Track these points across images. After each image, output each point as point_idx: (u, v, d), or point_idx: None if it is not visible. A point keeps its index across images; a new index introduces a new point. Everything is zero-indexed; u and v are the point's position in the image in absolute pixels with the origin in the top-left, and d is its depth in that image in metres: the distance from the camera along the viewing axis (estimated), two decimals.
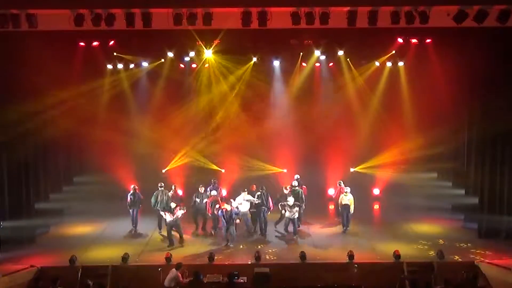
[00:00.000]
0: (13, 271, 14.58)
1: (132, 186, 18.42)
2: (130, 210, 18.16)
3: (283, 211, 17.36)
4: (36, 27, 14.25)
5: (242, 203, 17.32)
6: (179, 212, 16.73)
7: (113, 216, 19.53)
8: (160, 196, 17.84)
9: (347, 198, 17.99)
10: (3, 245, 15.98)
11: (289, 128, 21.75)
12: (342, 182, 19.05)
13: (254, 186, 18.44)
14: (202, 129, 22.15)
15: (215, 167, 21.97)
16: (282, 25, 14.51)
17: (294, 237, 17.19)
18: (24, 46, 16.04)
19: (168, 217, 16.53)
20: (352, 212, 17.88)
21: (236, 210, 16.79)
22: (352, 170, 21.11)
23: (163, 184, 18.25)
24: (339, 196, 18.44)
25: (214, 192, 17.93)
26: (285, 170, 21.55)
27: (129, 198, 18.12)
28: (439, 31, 15.82)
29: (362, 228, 18.23)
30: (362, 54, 19.93)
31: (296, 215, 17.17)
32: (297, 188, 18.34)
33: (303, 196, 18.18)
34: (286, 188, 18.01)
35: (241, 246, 16.64)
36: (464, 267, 14.40)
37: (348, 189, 18.20)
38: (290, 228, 17.40)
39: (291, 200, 17.12)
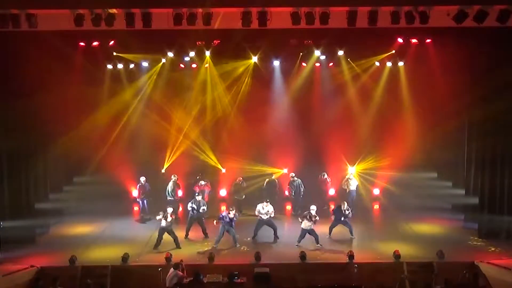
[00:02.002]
0: (13, 271, 14.58)
1: (141, 178, 19.86)
2: (140, 200, 19.77)
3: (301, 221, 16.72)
4: (36, 27, 14.25)
5: (263, 212, 17.14)
6: (170, 218, 16.50)
7: (113, 216, 19.56)
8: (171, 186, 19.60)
9: (354, 183, 19.72)
10: (3, 245, 15.98)
11: (289, 128, 21.74)
12: (326, 174, 20.60)
13: (241, 178, 19.95)
14: (202, 128, 22.15)
15: (218, 165, 21.94)
16: (282, 25, 14.51)
17: (318, 245, 16.51)
18: (24, 46, 16.03)
19: (163, 222, 16.45)
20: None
21: (236, 214, 16.76)
22: (351, 170, 21.07)
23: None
24: (323, 186, 19.74)
25: (202, 182, 19.77)
26: (285, 170, 21.53)
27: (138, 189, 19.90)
28: (439, 31, 15.82)
29: (362, 228, 18.22)
30: (362, 54, 19.95)
31: (312, 226, 16.61)
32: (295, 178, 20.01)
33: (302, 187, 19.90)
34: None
35: (241, 246, 16.63)
36: (464, 267, 14.39)
37: (351, 176, 19.81)
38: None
39: (313, 209, 16.60)
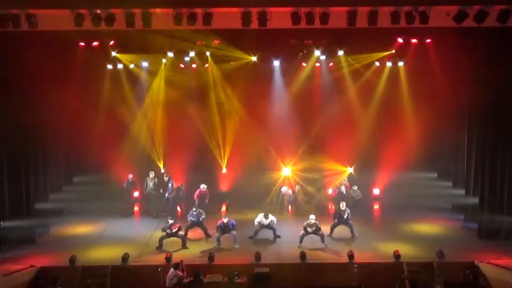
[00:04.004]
0: (13, 271, 14.57)
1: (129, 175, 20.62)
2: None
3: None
4: (36, 27, 14.25)
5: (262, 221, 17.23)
6: (176, 231, 16.48)
7: (113, 216, 19.57)
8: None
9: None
10: (3, 245, 15.97)
11: (289, 128, 21.72)
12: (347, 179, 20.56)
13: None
14: (202, 128, 22.14)
15: (223, 164, 21.93)
16: (282, 25, 14.51)
17: (323, 245, 16.44)
18: (24, 46, 16.03)
19: (166, 235, 16.41)
20: None
21: (233, 221, 16.72)
22: (350, 170, 21.17)
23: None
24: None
25: (203, 186, 19.62)
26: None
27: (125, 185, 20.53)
28: (439, 31, 15.83)
29: (362, 228, 18.21)
30: (362, 54, 19.95)
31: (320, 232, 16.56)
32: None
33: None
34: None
35: (241, 246, 16.63)
36: (464, 267, 14.39)
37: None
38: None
39: (312, 218, 16.53)
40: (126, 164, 21.14)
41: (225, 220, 16.56)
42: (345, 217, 17.23)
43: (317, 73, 21.65)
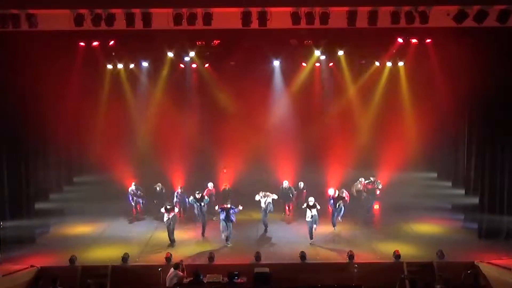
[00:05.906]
0: (13, 271, 14.60)
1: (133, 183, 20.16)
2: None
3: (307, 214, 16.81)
4: (36, 27, 14.24)
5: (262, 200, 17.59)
6: (171, 216, 16.67)
7: (113, 216, 19.58)
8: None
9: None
10: (3, 245, 15.99)
11: (289, 128, 21.73)
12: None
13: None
14: (202, 128, 22.14)
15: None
16: (282, 25, 14.51)
17: (311, 241, 16.72)
18: (24, 46, 16.03)
19: (165, 217, 16.58)
20: None
21: (234, 208, 16.78)
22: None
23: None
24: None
25: (211, 185, 19.36)
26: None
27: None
28: (439, 31, 15.81)
29: (362, 228, 18.22)
30: (362, 54, 19.95)
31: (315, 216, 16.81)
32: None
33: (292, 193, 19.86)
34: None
35: (241, 246, 16.64)
36: (464, 267, 14.40)
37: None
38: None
39: (311, 200, 16.85)
40: (127, 164, 21.15)
41: (228, 205, 16.68)
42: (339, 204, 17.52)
43: (317, 73, 21.66)
